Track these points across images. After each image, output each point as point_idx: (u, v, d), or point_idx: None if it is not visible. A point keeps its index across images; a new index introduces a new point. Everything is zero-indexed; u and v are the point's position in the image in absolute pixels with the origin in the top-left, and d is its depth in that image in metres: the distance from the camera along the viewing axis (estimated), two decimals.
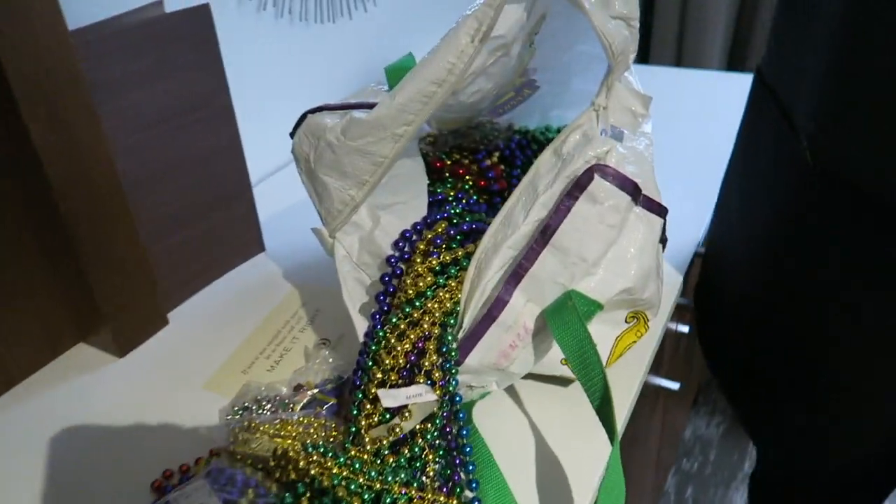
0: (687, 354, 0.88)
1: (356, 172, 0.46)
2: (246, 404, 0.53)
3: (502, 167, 0.67)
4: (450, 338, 0.46)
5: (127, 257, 0.59)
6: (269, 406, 0.52)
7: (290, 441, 0.47)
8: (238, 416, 0.52)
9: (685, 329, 0.82)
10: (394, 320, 0.47)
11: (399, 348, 0.45)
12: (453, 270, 0.48)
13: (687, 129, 0.97)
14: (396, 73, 0.46)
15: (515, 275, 0.45)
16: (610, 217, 0.44)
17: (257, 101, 0.89)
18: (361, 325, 0.50)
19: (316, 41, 0.95)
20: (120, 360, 0.62)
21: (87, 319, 0.62)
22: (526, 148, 0.68)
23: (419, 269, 0.47)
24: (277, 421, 0.48)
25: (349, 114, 0.45)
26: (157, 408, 0.56)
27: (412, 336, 0.45)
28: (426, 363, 0.45)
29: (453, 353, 0.46)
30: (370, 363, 0.47)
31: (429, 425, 0.44)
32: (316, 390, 0.53)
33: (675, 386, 0.80)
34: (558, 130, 0.69)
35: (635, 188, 0.44)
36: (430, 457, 0.43)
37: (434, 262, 0.48)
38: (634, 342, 0.53)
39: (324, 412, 0.50)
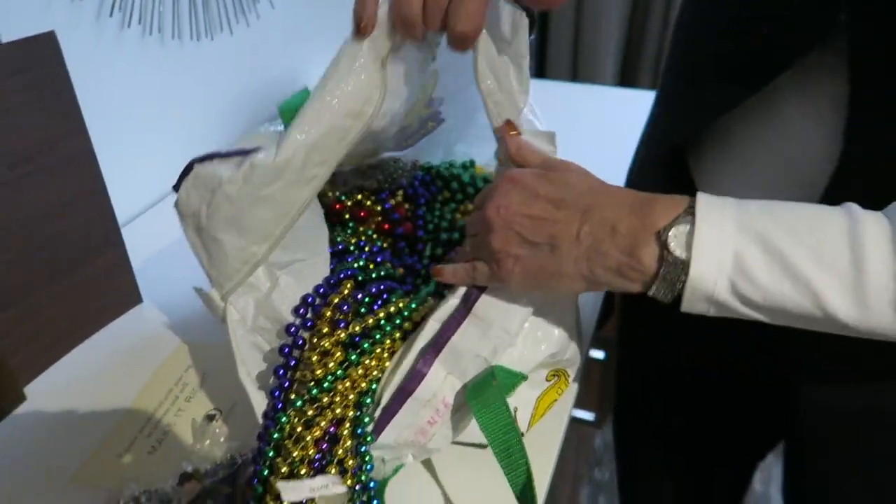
0: (601, 381, 0.87)
1: (260, 225, 0.40)
2: None
3: (406, 206, 0.63)
4: (367, 419, 0.41)
5: None
6: None
7: None
8: None
9: (600, 355, 0.80)
10: (298, 403, 0.41)
11: (308, 437, 0.40)
12: (367, 345, 0.43)
13: (583, 144, 0.96)
14: (293, 113, 0.41)
15: (436, 345, 0.41)
16: None
17: (122, 133, 0.78)
18: (260, 401, 0.44)
19: (191, 61, 0.86)
20: None
21: None
22: (430, 185, 0.64)
23: (326, 345, 0.42)
24: None
25: (248, 159, 0.39)
26: None
27: (322, 423, 0.40)
28: (339, 451, 0.40)
29: (369, 437, 0.41)
30: (272, 453, 0.41)
31: None
32: (207, 481, 0.46)
33: (589, 416, 0.78)
34: (462, 165, 0.65)
35: None
36: None
37: (342, 335, 0.42)
38: (556, 400, 0.50)
39: None
